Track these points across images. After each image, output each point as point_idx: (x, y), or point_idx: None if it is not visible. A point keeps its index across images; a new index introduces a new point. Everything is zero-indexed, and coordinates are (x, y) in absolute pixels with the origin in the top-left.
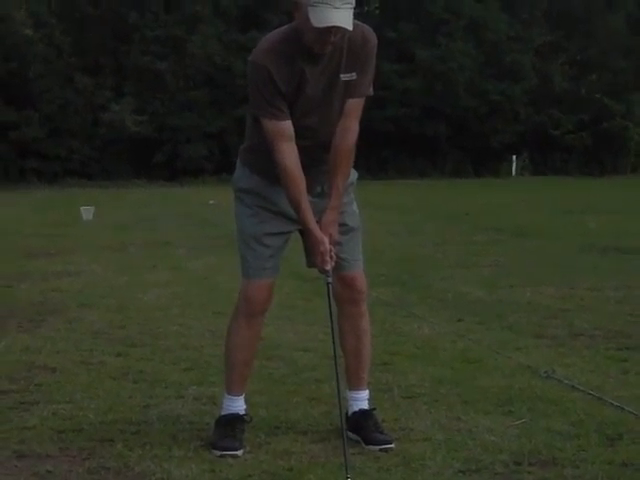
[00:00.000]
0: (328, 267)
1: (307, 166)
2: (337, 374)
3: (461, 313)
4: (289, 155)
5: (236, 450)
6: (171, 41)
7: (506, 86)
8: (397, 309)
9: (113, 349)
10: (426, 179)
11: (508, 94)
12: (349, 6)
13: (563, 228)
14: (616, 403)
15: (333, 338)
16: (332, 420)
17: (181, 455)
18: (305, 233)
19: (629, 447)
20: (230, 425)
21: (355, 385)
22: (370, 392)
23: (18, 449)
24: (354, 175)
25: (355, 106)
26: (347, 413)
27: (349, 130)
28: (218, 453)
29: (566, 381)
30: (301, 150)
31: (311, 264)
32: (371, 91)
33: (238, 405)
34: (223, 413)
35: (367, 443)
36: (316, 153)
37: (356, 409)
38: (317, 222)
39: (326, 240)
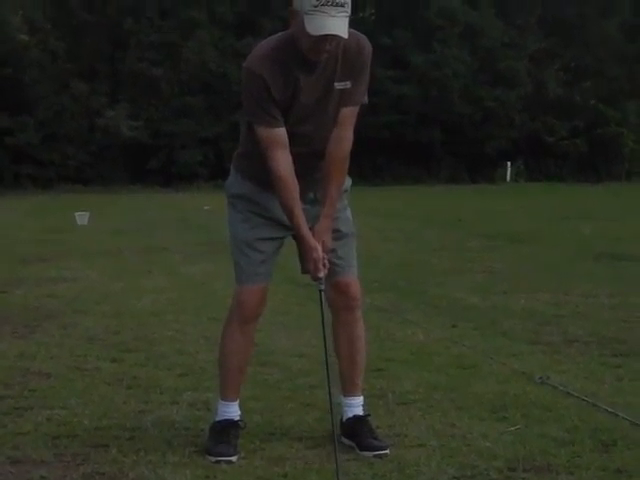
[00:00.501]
0: (321, 274)
1: (300, 173)
2: (329, 381)
3: (456, 319)
4: (283, 162)
5: (231, 456)
6: (166, 47)
7: (501, 92)
8: (392, 315)
9: (108, 355)
10: (421, 185)
11: (503, 100)
12: (345, 14)
13: (558, 234)
14: (610, 409)
15: (325, 345)
16: (326, 426)
17: (176, 461)
18: (298, 240)
19: (623, 453)
20: (225, 431)
21: (350, 391)
22: (364, 398)
23: (12, 455)
24: (348, 182)
25: (349, 114)
26: (341, 419)
27: (343, 138)
28: (213, 459)
29: (561, 387)
30: (295, 157)
31: (305, 270)
32: (366, 99)
33: (233, 411)
34: (217, 419)
35: (361, 449)
36: (310, 161)
37: (350, 415)
38: (310, 229)
39: (319, 247)
